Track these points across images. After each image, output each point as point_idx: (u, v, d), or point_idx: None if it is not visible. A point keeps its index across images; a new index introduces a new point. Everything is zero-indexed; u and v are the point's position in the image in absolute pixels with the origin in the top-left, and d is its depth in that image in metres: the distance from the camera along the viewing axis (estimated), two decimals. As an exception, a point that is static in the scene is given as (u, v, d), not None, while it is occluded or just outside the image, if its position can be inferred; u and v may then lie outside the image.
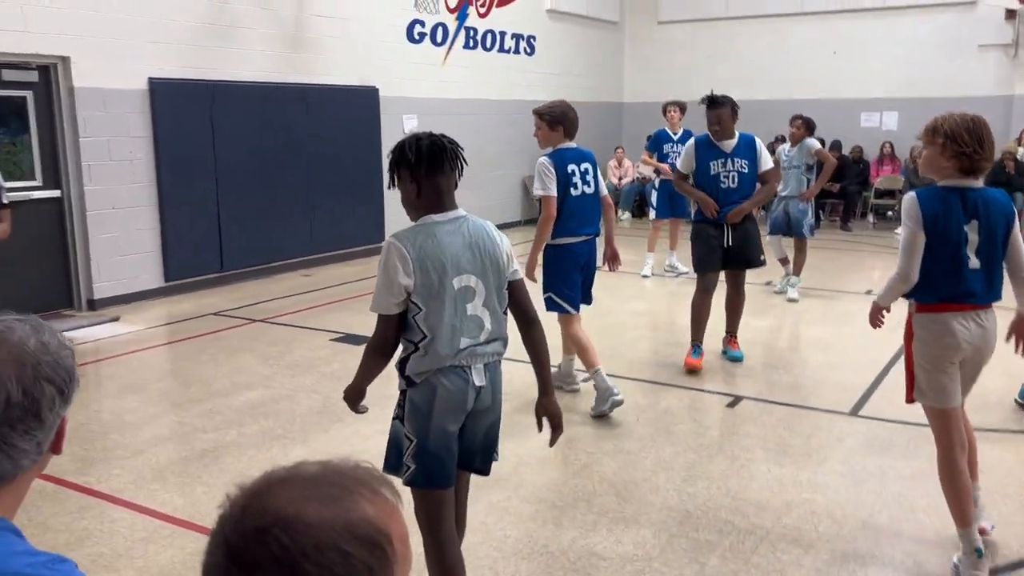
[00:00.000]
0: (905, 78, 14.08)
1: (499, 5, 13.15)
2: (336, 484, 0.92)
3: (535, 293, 3.56)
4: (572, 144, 5.35)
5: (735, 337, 6.51)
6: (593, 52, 15.78)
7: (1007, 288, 3.41)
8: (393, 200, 8.90)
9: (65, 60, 7.79)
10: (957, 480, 3.42)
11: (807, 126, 8.67)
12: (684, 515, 3.96)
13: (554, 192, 5.18)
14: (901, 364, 3.70)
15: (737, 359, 6.40)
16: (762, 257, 6.31)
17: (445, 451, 2.78)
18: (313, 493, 0.90)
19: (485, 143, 12.03)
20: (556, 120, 5.30)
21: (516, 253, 3.01)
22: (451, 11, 12.26)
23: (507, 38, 13.45)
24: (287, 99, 9.80)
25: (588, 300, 5.55)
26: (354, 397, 2.95)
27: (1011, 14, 13.29)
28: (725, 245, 6.12)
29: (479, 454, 2.94)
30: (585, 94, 15.52)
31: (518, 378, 5.89)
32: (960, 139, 3.26)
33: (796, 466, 4.51)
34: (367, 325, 3.05)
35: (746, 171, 6.10)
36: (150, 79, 8.42)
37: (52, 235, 8.00)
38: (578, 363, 5.63)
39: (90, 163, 8.06)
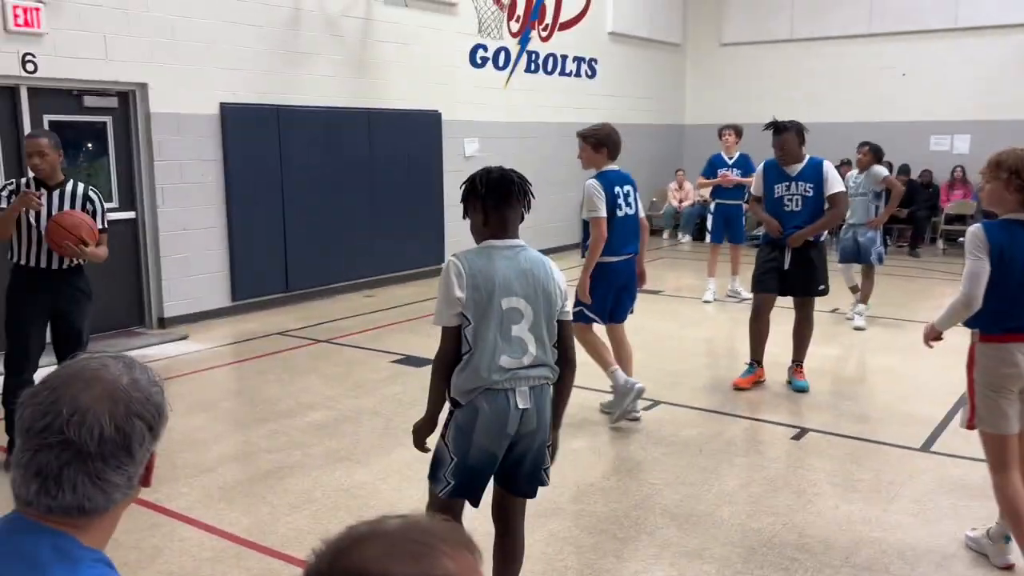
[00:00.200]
0: (977, 100, 13.71)
1: (561, 29, 13.23)
2: (418, 541, 0.93)
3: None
4: (615, 166, 5.51)
5: (801, 366, 6.39)
6: (655, 74, 15.75)
7: None
8: (453, 222, 9.01)
9: (143, 87, 8.08)
10: (1018, 504, 3.43)
11: (874, 153, 8.50)
12: (749, 551, 3.88)
13: (604, 214, 5.32)
14: (977, 402, 3.60)
15: (802, 389, 6.27)
16: (822, 287, 6.23)
17: (481, 471, 2.92)
18: (396, 550, 0.91)
19: (546, 166, 12.07)
20: (600, 142, 5.45)
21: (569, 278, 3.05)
22: (514, 35, 12.37)
23: (568, 61, 13.51)
24: (351, 123, 10.00)
25: (624, 317, 5.69)
26: (426, 431, 3.06)
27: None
28: (783, 268, 6.13)
29: (526, 477, 3.00)
30: (646, 116, 15.51)
31: (575, 406, 5.90)
32: (1023, 173, 3.35)
33: (865, 503, 4.39)
34: (427, 347, 3.11)
35: (810, 195, 6.06)
36: (222, 104, 8.68)
37: (126, 255, 8.26)
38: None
39: (164, 186, 8.33)
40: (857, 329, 8.31)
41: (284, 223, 9.40)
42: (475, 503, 3.01)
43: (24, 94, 7.37)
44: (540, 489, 3.11)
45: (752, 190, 6.53)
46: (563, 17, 13.25)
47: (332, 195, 9.83)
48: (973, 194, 13.59)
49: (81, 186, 5.01)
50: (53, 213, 4.82)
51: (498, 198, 2.91)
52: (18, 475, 1.29)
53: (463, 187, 3.00)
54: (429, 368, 3.06)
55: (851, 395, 6.42)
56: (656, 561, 3.80)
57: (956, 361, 3.75)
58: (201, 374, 6.90)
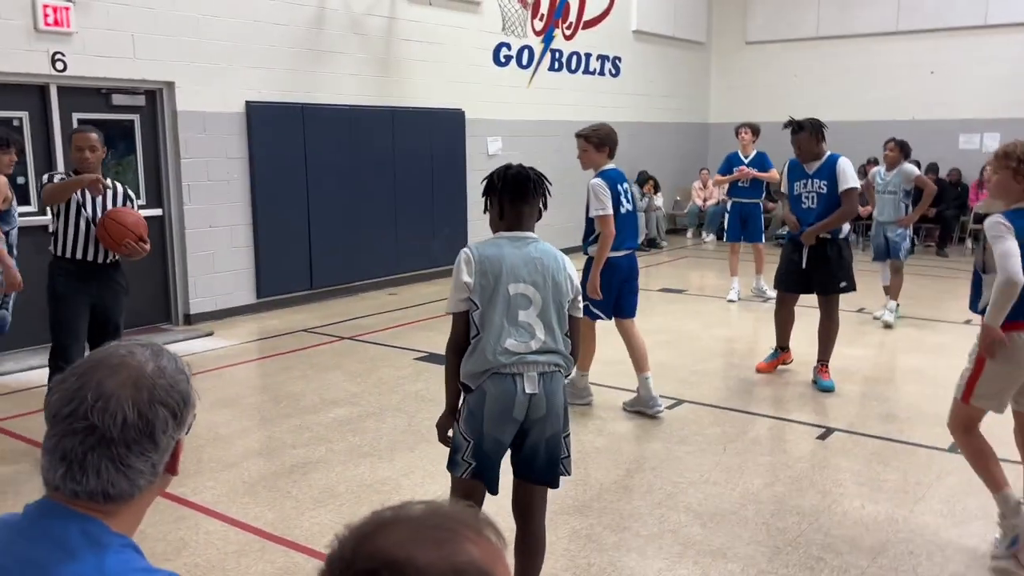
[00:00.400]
0: (1007, 98, 13.51)
1: (585, 27, 13.20)
2: (442, 526, 0.93)
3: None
4: (613, 164, 5.58)
5: (826, 366, 6.33)
6: (679, 73, 15.68)
7: None
8: (476, 220, 9.05)
9: (170, 85, 8.16)
10: (986, 447, 3.71)
11: (902, 149, 8.42)
12: (773, 550, 3.85)
13: (611, 211, 5.39)
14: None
15: (827, 389, 6.21)
16: (843, 284, 6.20)
17: (494, 457, 2.97)
18: (420, 535, 0.91)
19: (569, 165, 11.98)
20: (602, 142, 5.53)
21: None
22: (537, 34, 12.36)
23: (592, 59, 13.48)
24: (375, 121, 10.03)
25: (632, 312, 5.71)
26: (447, 424, 3.10)
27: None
28: (802, 266, 6.17)
29: (543, 465, 3.02)
30: (671, 115, 15.45)
31: (599, 405, 5.88)
32: None
33: (892, 503, 4.34)
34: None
35: (824, 192, 6.10)
36: (247, 102, 8.74)
37: (153, 252, 8.21)
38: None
39: (190, 183, 8.41)
40: (886, 326, 8.24)
41: (308, 221, 9.46)
42: (494, 489, 3.04)
43: (54, 93, 7.47)
44: (564, 487, 3.10)
45: (782, 188, 6.59)
46: (587, 15, 13.23)
47: (356, 193, 9.88)
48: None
49: (119, 185, 5.12)
50: (98, 209, 4.91)
51: (514, 194, 3.03)
52: (46, 460, 1.30)
53: (484, 182, 3.13)
54: (450, 364, 3.10)
55: (878, 395, 6.34)
56: (680, 559, 3.77)
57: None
58: (226, 370, 6.96)
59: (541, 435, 2.95)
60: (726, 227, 9.90)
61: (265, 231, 9.05)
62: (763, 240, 9.84)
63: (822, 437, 5.35)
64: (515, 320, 2.91)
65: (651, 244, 14.00)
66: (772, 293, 8.47)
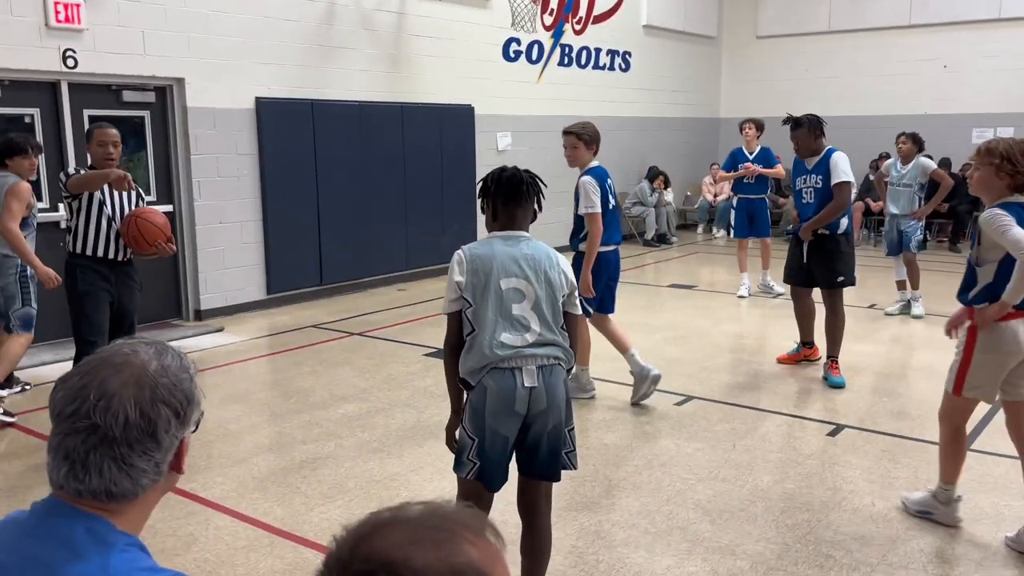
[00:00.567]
0: (1021, 92, 13.41)
1: (595, 22, 13.16)
2: (440, 527, 0.92)
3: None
4: (596, 162, 5.63)
5: (836, 362, 6.30)
6: (690, 67, 15.62)
7: None
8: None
9: (180, 81, 8.18)
10: (960, 451, 3.91)
11: (915, 142, 8.40)
12: (783, 547, 3.84)
13: (600, 209, 5.46)
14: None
15: (837, 385, 6.19)
16: (841, 278, 6.21)
17: (499, 454, 2.97)
18: (418, 536, 0.91)
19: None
20: (592, 139, 5.57)
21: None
22: (547, 29, 12.33)
23: (602, 54, 13.44)
24: (385, 117, 10.04)
25: (613, 308, 5.84)
26: (455, 425, 3.11)
27: None
28: (803, 261, 6.28)
29: (545, 459, 3.02)
30: (681, 110, 15.39)
31: (607, 402, 5.88)
32: (1014, 159, 3.52)
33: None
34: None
35: (820, 186, 6.15)
36: (257, 98, 8.76)
37: (164, 248, 8.36)
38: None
39: (200, 179, 8.43)
40: (915, 317, 8.39)
41: (318, 217, 9.47)
42: (493, 488, 3.04)
43: (65, 89, 7.50)
44: (572, 483, 3.10)
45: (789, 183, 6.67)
46: (597, 10, 13.18)
47: (366, 189, 9.89)
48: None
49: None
50: (116, 207, 4.97)
51: (507, 196, 3.08)
52: (50, 459, 1.30)
53: (480, 183, 3.18)
54: (460, 361, 3.10)
55: (888, 391, 6.31)
56: (689, 556, 3.77)
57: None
58: (236, 366, 6.98)
59: (543, 428, 2.96)
60: (733, 224, 9.89)
61: (275, 227, 9.07)
62: (771, 235, 9.81)
63: (832, 434, 5.33)
64: (508, 314, 2.94)
65: (661, 240, 13.95)
66: (779, 288, 8.47)
